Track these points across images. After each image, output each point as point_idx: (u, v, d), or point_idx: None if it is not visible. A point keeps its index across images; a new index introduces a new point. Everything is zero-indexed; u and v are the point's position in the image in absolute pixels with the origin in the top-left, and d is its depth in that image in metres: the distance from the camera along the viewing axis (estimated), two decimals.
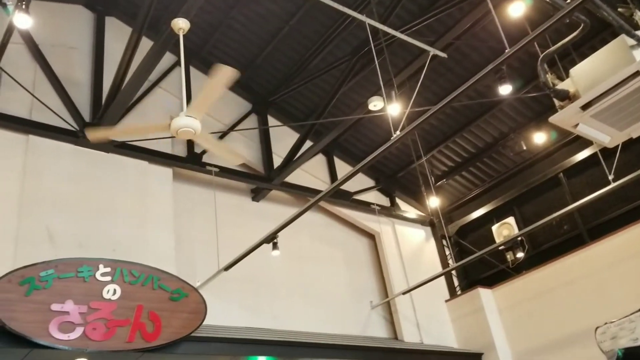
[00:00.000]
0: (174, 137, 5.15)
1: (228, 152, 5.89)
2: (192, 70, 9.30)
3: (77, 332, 5.88)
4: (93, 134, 5.70)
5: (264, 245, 6.90)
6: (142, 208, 7.60)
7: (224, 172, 8.78)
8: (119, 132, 5.53)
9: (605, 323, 6.00)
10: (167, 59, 8.61)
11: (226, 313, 7.89)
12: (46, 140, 7.24)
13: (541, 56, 4.67)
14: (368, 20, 6.40)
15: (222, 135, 9.13)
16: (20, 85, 7.20)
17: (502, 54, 4.65)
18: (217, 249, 7.68)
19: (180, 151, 8.63)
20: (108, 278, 6.32)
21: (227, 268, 7.09)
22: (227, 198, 9.08)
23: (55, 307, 5.86)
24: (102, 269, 6.31)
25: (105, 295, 6.22)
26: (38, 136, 7.19)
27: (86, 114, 7.78)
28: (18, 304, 5.67)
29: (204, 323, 6.84)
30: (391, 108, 7.66)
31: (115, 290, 6.29)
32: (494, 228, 10.37)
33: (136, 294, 6.43)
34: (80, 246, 6.77)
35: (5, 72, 7.16)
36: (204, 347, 6.85)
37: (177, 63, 8.97)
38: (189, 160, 8.56)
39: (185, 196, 8.56)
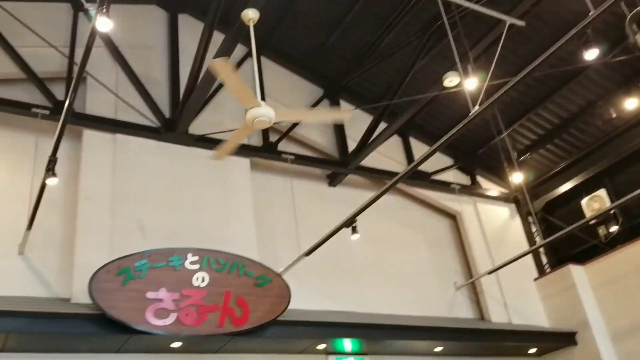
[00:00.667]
0: (251, 128, 5.19)
1: (226, 150, 5.79)
2: (263, 59, 9.44)
3: (172, 318, 6.19)
4: (217, 155, 5.82)
5: (344, 230, 6.92)
6: (223, 199, 7.85)
7: (300, 159, 8.88)
8: (228, 149, 5.60)
9: None
10: (239, 50, 8.76)
11: (310, 297, 8.02)
12: (132, 137, 7.61)
13: (629, 16, 4.34)
14: None
15: (296, 122, 9.21)
16: (105, 86, 7.60)
17: (586, 16, 4.37)
18: (297, 235, 7.80)
19: (256, 141, 8.81)
20: (196, 266, 6.59)
21: (308, 253, 7.19)
22: (304, 185, 9.19)
23: (150, 295, 6.19)
24: (190, 257, 6.60)
25: (195, 283, 6.50)
26: (124, 134, 7.57)
27: (166, 111, 8.10)
28: (116, 293, 6.04)
29: (289, 307, 6.99)
30: (468, 83, 7.41)
31: (203, 277, 6.56)
32: (584, 202, 9.86)
33: (223, 280, 6.67)
34: (168, 237, 7.09)
35: (91, 75, 7.58)
36: (290, 331, 7.02)
37: (249, 54, 9.13)
38: (265, 150, 8.73)
39: (263, 185, 8.74)
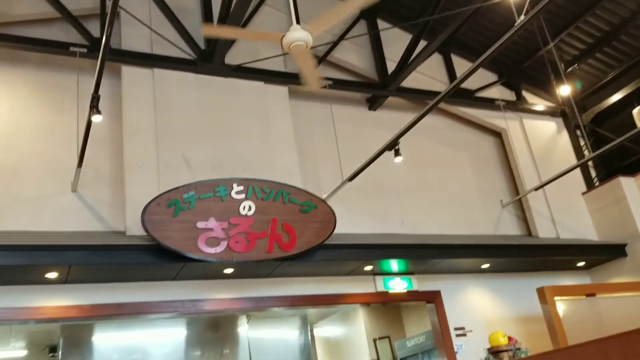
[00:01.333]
0: (284, 55, 5.13)
1: (315, 77, 5.68)
2: None
3: (222, 246, 6.42)
4: (207, 30, 5.70)
5: (386, 153, 6.90)
6: (264, 128, 7.89)
7: (338, 84, 8.75)
8: (233, 32, 5.51)
9: None
10: None
11: (354, 222, 8.14)
12: (169, 71, 7.63)
13: None
14: None
15: (333, 45, 9.01)
16: (139, 20, 7.56)
17: None
18: (339, 161, 7.83)
19: (293, 68, 8.68)
20: (242, 196, 6.74)
21: (351, 178, 7.23)
22: (344, 110, 9.11)
23: (200, 224, 6.41)
24: (236, 187, 6.74)
25: (242, 212, 6.67)
26: (161, 69, 7.60)
27: (201, 42, 8.04)
28: (168, 224, 6.28)
29: (335, 232, 7.13)
30: None
31: (250, 206, 6.72)
32: (635, 112, 9.44)
33: (269, 208, 6.82)
34: (213, 169, 7.24)
35: (124, 10, 7.54)
36: (337, 254, 7.20)
37: None
38: (303, 77, 8.60)
39: (303, 112, 8.71)
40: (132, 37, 7.63)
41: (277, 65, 8.42)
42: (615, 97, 10.11)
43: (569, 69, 10.29)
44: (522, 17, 5.04)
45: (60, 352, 7.99)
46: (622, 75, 9.97)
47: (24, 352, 9.72)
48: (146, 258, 6.27)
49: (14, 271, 5.89)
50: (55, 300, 6.37)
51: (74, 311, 6.40)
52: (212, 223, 6.46)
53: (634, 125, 9.24)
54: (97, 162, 7.01)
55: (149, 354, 8.16)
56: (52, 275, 6.13)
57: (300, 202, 7.03)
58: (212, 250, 6.36)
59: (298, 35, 4.82)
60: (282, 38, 4.84)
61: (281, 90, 8.36)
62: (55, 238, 6.15)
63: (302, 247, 6.80)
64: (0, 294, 6.14)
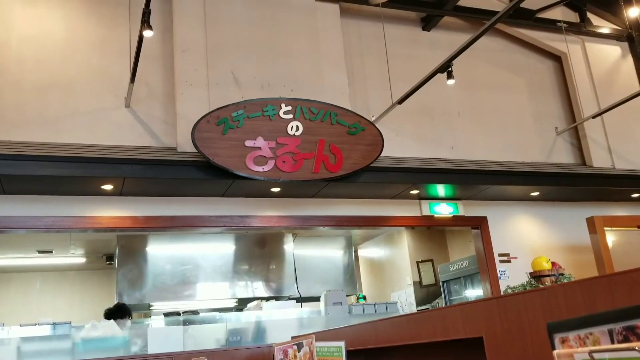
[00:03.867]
0: None
1: None
2: None
3: (270, 165, 6.52)
4: None
5: (439, 76, 6.69)
6: (313, 47, 7.75)
7: (391, 1, 8.41)
8: None
9: None
10: None
11: (403, 145, 8.07)
12: None
13: None
14: None
15: None
16: None
17: None
18: (390, 83, 7.66)
19: None
20: (290, 116, 6.75)
21: (400, 101, 7.10)
22: (397, 30, 8.80)
23: (248, 143, 6.49)
24: (284, 107, 6.74)
25: (290, 132, 6.70)
26: None
27: None
28: (218, 142, 6.39)
29: (383, 155, 7.11)
30: None
31: (297, 126, 6.73)
32: None
33: (317, 129, 6.82)
34: (262, 87, 7.23)
35: None
36: (383, 176, 7.21)
37: None
38: None
39: (354, 32, 8.48)
40: None
41: None
42: None
43: None
44: None
45: (116, 261, 8.49)
46: None
47: (83, 260, 10.38)
48: (196, 174, 6.45)
49: (72, 182, 6.19)
50: (111, 210, 6.69)
51: (128, 221, 6.73)
52: (260, 142, 6.53)
53: None
54: (149, 77, 7.09)
55: (199, 266, 8.57)
56: (107, 187, 6.41)
57: (348, 123, 6.99)
58: (259, 168, 6.46)
59: None
60: None
61: (332, 8, 8.12)
62: (110, 151, 6.37)
63: (348, 169, 6.83)
64: (60, 203, 6.50)
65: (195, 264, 8.57)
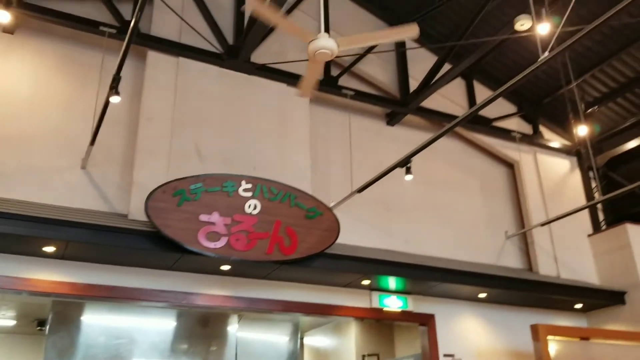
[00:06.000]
0: (307, 60, 5.13)
1: (311, 84, 5.61)
2: None
3: (222, 242, 6.40)
4: (251, 3, 5.56)
5: (398, 170, 6.87)
6: (280, 129, 7.90)
7: (360, 95, 8.77)
8: (272, 14, 5.27)
9: None
10: None
11: (358, 234, 8.12)
12: (194, 62, 7.67)
13: None
14: None
15: (359, 57, 9.03)
16: (170, 8, 7.61)
17: None
18: (351, 172, 7.82)
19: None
20: (249, 194, 6.74)
21: (360, 190, 7.22)
22: (362, 121, 9.12)
23: (203, 217, 6.40)
24: (244, 184, 6.74)
25: (247, 210, 6.66)
26: (187, 58, 7.63)
27: (229, 37, 8.09)
28: (171, 213, 6.27)
29: (337, 242, 7.11)
30: (540, 27, 7.03)
31: (256, 205, 6.71)
32: None
33: (275, 209, 6.81)
34: (224, 163, 7.25)
35: None
36: (337, 264, 7.16)
37: None
38: (325, 84, 8.63)
39: (321, 119, 8.72)
40: (162, 24, 7.68)
41: (301, 69, 8.42)
42: (632, 144, 10.05)
43: (589, 110, 10.26)
44: (547, 53, 5.02)
45: (48, 327, 7.97)
46: None
47: (12, 322, 9.71)
48: (144, 244, 6.26)
49: (13, 240, 5.89)
50: (50, 274, 6.36)
51: (66, 287, 6.39)
52: (215, 217, 6.45)
53: None
54: (110, 141, 7.03)
55: (135, 341, 8.11)
56: (49, 249, 6.13)
57: (306, 207, 7.02)
58: (211, 244, 6.34)
59: (327, 43, 4.83)
60: (311, 41, 4.85)
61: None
62: (57, 212, 6.16)
63: (302, 253, 6.78)
64: None
65: (131, 339, 8.10)
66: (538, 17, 7.29)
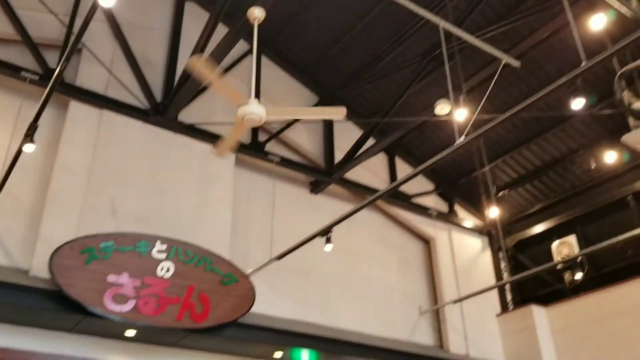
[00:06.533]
0: (244, 125, 5.19)
1: (230, 145, 5.71)
2: (264, 59, 9.45)
3: (130, 305, 6.11)
4: (192, 62, 5.61)
5: (318, 239, 6.92)
6: (203, 190, 7.81)
7: (285, 162, 8.88)
8: (209, 72, 5.27)
9: None
10: (240, 46, 8.76)
11: (274, 303, 7.99)
12: (118, 115, 7.54)
13: (619, 73, 4.44)
14: (442, 23, 6.28)
15: (287, 125, 9.21)
16: (99, 61, 7.53)
17: (578, 67, 4.43)
18: (272, 238, 7.79)
19: (245, 138, 8.78)
20: (163, 255, 6.53)
21: (279, 257, 7.17)
22: (286, 188, 9.19)
23: (111, 278, 6.11)
24: (158, 245, 6.53)
25: (159, 273, 6.43)
26: (111, 111, 7.50)
27: (158, 94, 8.05)
28: (77, 272, 5.95)
29: (252, 310, 6.96)
30: (458, 113, 7.49)
31: (169, 268, 6.50)
32: (554, 245, 9.99)
33: (189, 274, 6.62)
34: (140, 221, 7.02)
35: (87, 47, 7.51)
36: (249, 334, 6.98)
37: (250, 51, 9.12)
38: (252, 148, 8.70)
39: (245, 183, 8.71)
40: (88, 75, 7.55)
41: (228, 132, 8.46)
42: (538, 228, 10.68)
43: (500, 194, 10.87)
44: (462, 137, 5.32)
45: None
46: (547, 209, 10.61)
47: None
48: (45, 303, 5.86)
49: None
50: None
51: None
52: (124, 278, 6.18)
53: (552, 258, 9.74)
54: (19, 191, 6.66)
55: None
56: None
57: (222, 272, 6.87)
58: (117, 307, 6.03)
59: (256, 109, 4.94)
60: (240, 105, 4.94)
61: (228, 157, 8.36)
62: None
63: (214, 321, 6.57)
64: None
65: None
66: (456, 103, 7.80)
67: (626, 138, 4.26)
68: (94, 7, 4.09)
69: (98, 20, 7.72)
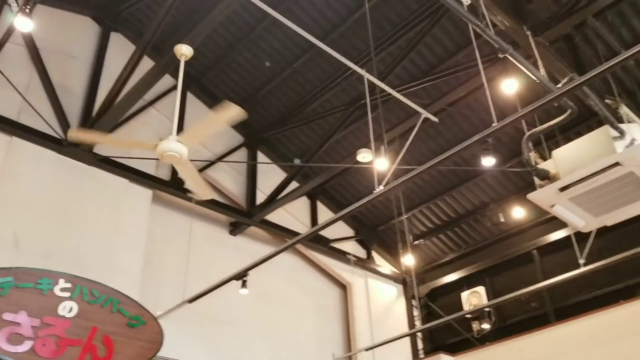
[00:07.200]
0: (158, 159, 5.11)
1: (201, 186, 5.74)
2: (189, 96, 9.37)
3: (26, 346, 5.68)
4: (75, 135, 5.59)
5: (234, 282, 6.77)
6: (115, 226, 7.50)
7: (205, 202, 8.71)
8: (104, 139, 5.36)
9: None
10: (166, 81, 8.66)
11: (185, 347, 7.69)
12: (30, 144, 7.18)
13: (527, 134, 4.76)
14: (367, 76, 6.52)
15: (210, 164, 9.11)
16: (12, 85, 7.18)
17: (490, 126, 4.72)
18: (186, 279, 7.55)
19: (164, 174, 8.58)
20: (67, 294, 6.15)
21: (191, 300, 6.94)
22: (205, 228, 9.00)
23: (7, 316, 5.67)
24: (62, 284, 6.16)
25: (61, 312, 6.04)
26: (22, 139, 7.13)
27: (75, 124, 7.75)
28: None
29: (160, 355, 6.65)
30: (378, 162, 7.72)
31: (72, 307, 6.12)
32: (464, 295, 10.29)
33: (93, 314, 6.25)
34: (45, 256, 6.62)
35: (1, 72, 7.15)
36: None
37: (175, 87, 9.03)
38: (172, 185, 8.50)
39: (161, 220, 8.46)
40: (0, 99, 7.16)
41: (147, 167, 8.26)
42: (450, 278, 11.03)
43: (416, 242, 11.18)
44: (382, 186, 5.47)
45: None
46: (459, 259, 11.00)
47: None
48: None
49: None
50: None
51: None
52: (22, 317, 5.75)
53: (462, 307, 10.03)
54: None
55: None
56: None
57: (129, 314, 6.54)
58: (12, 348, 5.58)
59: (171, 146, 4.84)
60: (156, 146, 4.83)
61: (145, 193, 8.12)
62: None
63: None
64: None
65: None
66: (378, 152, 8.04)
67: (531, 196, 4.53)
68: (11, 31, 3.94)
69: (16, 44, 7.40)
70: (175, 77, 8.52)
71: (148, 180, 8.17)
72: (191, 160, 8.48)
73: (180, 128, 8.42)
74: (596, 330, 8.33)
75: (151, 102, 8.77)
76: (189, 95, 9.37)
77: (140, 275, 7.41)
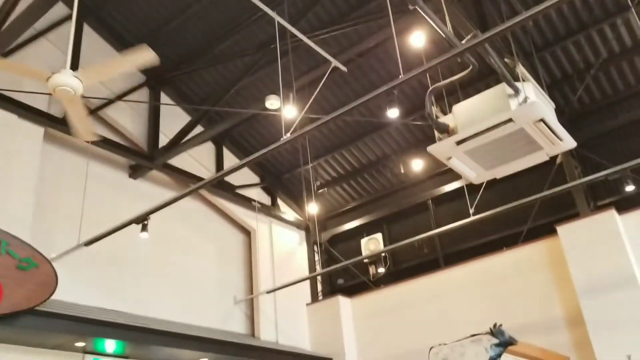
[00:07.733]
0: (51, 94, 4.72)
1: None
2: (86, 28, 8.70)
3: None
4: (82, 136, 5.01)
5: (134, 226, 6.61)
6: (3, 166, 6.98)
7: (103, 142, 8.30)
8: (81, 126, 4.77)
9: (440, 344, 6.22)
10: (60, 9, 8.01)
11: (82, 291, 7.47)
12: None
13: (430, 88, 4.94)
14: (278, 18, 6.38)
15: (108, 102, 8.64)
16: None
17: (396, 79, 4.83)
18: (81, 222, 7.25)
19: (58, 111, 8.03)
20: None
21: (87, 243, 6.72)
22: (102, 170, 8.61)
23: None
24: None
25: None
26: None
27: None
28: None
29: (54, 299, 6.41)
30: (286, 110, 7.73)
31: None
32: (363, 241, 10.77)
33: None
34: None
35: None
36: (46, 323, 6.40)
37: (70, 16, 8.35)
38: (66, 123, 7.95)
39: (55, 160, 7.99)
40: None
41: (39, 103, 7.69)
42: (351, 225, 11.43)
43: (319, 191, 11.42)
44: (288, 134, 5.50)
45: None
46: (360, 207, 11.40)
47: None
48: None
49: None
50: None
51: None
52: None
53: (361, 252, 10.49)
54: None
55: None
56: None
57: (19, 256, 6.22)
58: None
59: (66, 80, 4.43)
60: (48, 78, 4.44)
61: (36, 130, 7.58)
62: None
63: (6, 309, 5.94)
64: None
65: None
66: (286, 99, 8.02)
67: (431, 148, 4.75)
68: None
69: None
70: (70, 5, 7.88)
71: (39, 116, 7.61)
72: (88, 98, 8.05)
73: (75, 63, 7.87)
74: (482, 274, 9.09)
75: (42, 32, 8.08)
76: (86, 28, 8.69)
77: (31, 217, 7.01)
